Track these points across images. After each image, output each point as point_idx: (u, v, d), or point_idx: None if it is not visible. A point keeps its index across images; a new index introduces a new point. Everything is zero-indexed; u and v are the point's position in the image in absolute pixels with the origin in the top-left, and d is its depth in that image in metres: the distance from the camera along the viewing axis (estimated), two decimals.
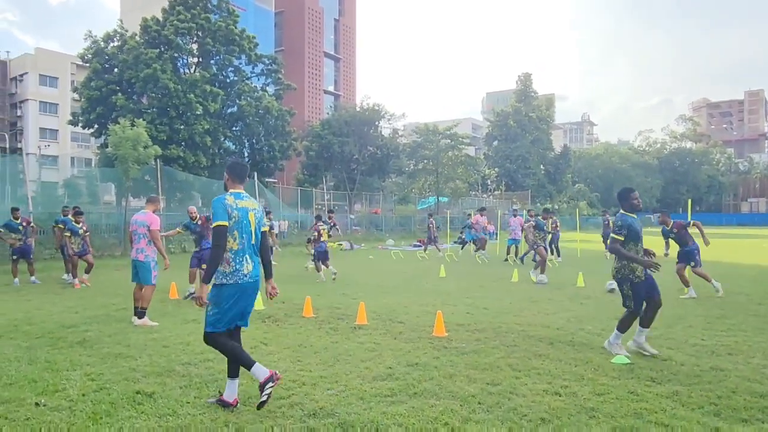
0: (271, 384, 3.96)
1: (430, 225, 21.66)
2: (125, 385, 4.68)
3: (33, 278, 12.14)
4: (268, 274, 4.42)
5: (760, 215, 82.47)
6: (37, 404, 4.23)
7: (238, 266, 4.07)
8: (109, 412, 4.06)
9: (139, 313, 7.44)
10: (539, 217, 13.25)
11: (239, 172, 4.34)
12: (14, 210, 12.52)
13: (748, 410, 4.10)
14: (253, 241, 4.20)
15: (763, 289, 10.85)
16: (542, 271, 12.22)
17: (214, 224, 4.05)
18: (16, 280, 11.81)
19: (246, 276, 4.10)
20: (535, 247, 12.84)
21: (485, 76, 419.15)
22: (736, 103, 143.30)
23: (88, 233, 12.19)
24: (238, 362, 4.11)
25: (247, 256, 4.14)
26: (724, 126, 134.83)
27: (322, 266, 12.62)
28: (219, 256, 3.99)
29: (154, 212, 7.87)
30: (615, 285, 9.86)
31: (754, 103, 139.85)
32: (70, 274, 11.77)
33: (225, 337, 4.13)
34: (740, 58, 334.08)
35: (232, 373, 4.17)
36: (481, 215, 20.35)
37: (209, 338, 4.13)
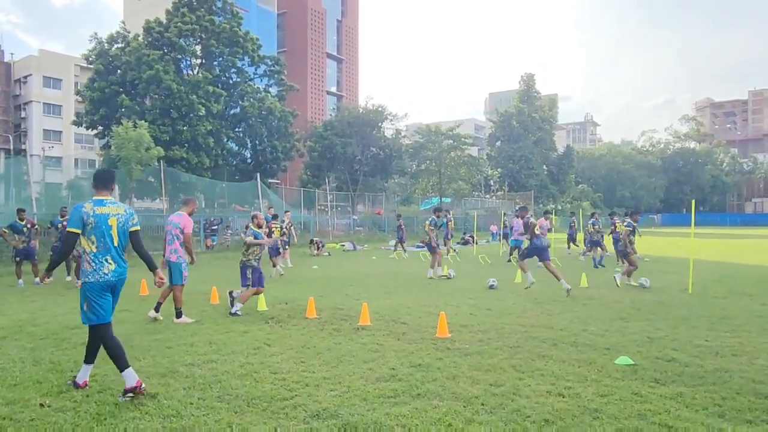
0: (76, 385, 4.63)
1: (400, 226, 21.86)
2: None
3: (37, 279, 12.17)
4: (151, 267, 4.89)
5: (764, 215, 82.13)
6: (41, 405, 4.25)
7: (98, 267, 4.52)
8: (113, 413, 4.08)
9: (177, 312, 7.71)
10: (629, 219, 11.88)
11: (101, 180, 4.83)
12: (20, 211, 12.53)
13: (752, 411, 4.09)
14: (115, 244, 4.62)
15: (766, 289, 10.81)
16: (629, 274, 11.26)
17: (67, 229, 4.59)
18: (21, 281, 11.84)
19: (107, 275, 4.55)
20: (627, 255, 11.68)
21: (488, 76, 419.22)
22: (740, 102, 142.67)
23: None
24: (93, 353, 4.71)
25: (109, 257, 4.57)
26: (728, 126, 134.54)
27: (278, 261, 13.91)
28: (63, 256, 4.74)
29: (190, 214, 7.98)
30: None
31: (758, 103, 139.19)
32: (75, 276, 11.81)
33: (109, 329, 4.63)
34: (745, 58, 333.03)
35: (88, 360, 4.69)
36: (545, 218, 18.93)
37: (95, 330, 4.60)
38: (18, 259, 12.09)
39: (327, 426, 3.84)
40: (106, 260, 4.53)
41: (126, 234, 4.74)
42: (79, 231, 4.50)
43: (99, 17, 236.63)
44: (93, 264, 4.51)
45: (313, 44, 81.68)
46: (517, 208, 26.35)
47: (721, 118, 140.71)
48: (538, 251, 10.67)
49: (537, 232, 10.66)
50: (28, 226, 12.27)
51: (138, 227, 4.92)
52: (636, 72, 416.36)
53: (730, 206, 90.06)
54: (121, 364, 4.45)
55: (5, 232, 12.27)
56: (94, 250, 4.52)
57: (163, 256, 7.94)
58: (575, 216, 22.69)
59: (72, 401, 4.33)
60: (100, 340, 4.57)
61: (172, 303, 7.80)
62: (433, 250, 13.64)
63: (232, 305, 8.18)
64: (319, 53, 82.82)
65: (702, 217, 70.04)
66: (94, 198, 4.69)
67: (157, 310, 7.77)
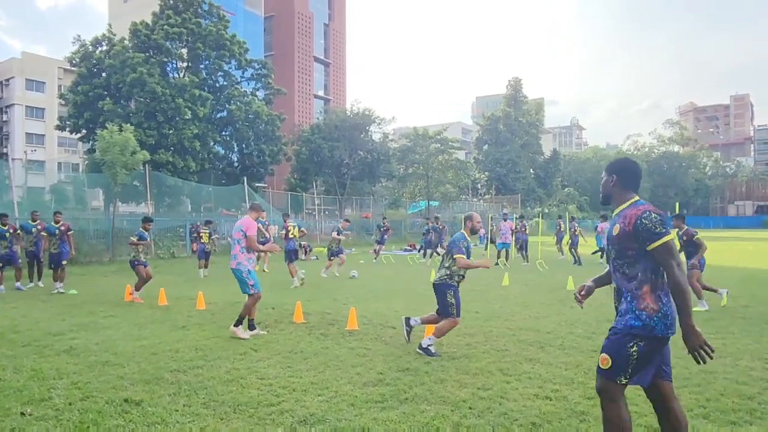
0: None
1: (387, 229, 21.18)
2: (113, 394, 4.63)
3: (18, 284, 11.96)
4: None
5: (746, 218, 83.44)
6: (23, 414, 4.17)
7: None
8: (97, 421, 4.02)
9: (250, 324, 7.01)
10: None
11: None
12: (2, 216, 12.32)
13: (736, 412, 4.14)
14: None
15: (749, 291, 10.96)
16: None
17: None
18: (2, 287, 11.63)
19: None
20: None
21: (475, 80, 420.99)
22: (722, 107, 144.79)
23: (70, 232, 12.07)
24: None
25: None
26: (711, 130, 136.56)
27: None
28: None
29: (255, 220, 7.39)
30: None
31: (740, 108, 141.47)
32: (61, 283, 11.55)
33: None
34: (730, 63, 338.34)
35: None
36: (505, 221, 18.80)
37: None
38: (0, 264, 11.87)
39: None
40: None
41: None
42: None
43: (84, 20, 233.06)
44: None
45: (301, 48, 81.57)
46: (503, 212, 26.55)
47: (704, 123, 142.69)
48: (289, 253, 12.95)
49: (295, 235, 13.36)
50: (11, 230, 12.07)
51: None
52: (622, 77, 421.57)
53: (713, 209, 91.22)
54: None
55: None
56: None
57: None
58: (562, 219, 22.96)
59: (54, 409, 4.26)
60: None
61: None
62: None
63: (409, 335, 6.54)
64: (306, 57, 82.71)
65: (686, 220, 70.93)
66: None
67: (251, 327, 7.02)
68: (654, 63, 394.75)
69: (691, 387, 4.74)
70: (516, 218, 20.86)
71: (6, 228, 11.98)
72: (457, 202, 56.10)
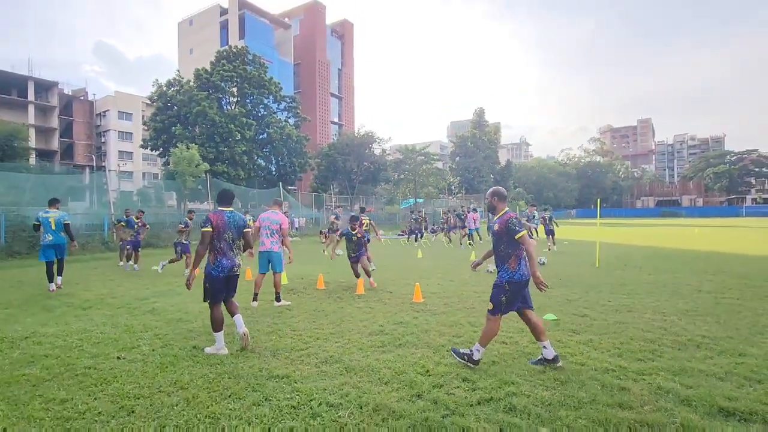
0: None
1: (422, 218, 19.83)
2: (184, 342, 4.63)
3: (122, 263, 11.48)
4: (72, 239, 7.84)
5: (649, 209, 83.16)
6: (118, 357, 4.17)
7: (43, 238, 7.53)
8: (173, 363, 4.02)
9: (277, 297, 6.54)
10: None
11: (49, 202, 7.69)
12: (127, 210, 11.74)
13: (642, 352, 4.14)
14: (53, 228, 7.55)
15: (652, 263, 10.95)
16: None
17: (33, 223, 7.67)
18: (136, 266, 11.02)
19: (47, 241, 7.56)
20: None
21: (450, 108, 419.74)
22: (631, 128, 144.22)
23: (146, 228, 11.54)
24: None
25: (48, 234, 7.55)
26: (623, 145, 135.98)
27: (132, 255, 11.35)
28: None
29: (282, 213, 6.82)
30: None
31: (645, 128, 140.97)
32: (124, 262, 11.13)
33: (48, 266, 7.63)
34: (638, 95, 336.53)
35: None
36: (476, 212, 19.44)
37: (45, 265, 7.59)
38: (128, 247, 11.30)
39: (333, 369, 3.82)
40: (47, 236, 7.52)
41: (61, 224, 7.63)
42: (39, 223, 7.50)
43: (161, 67, 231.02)
44: (42, 238, 7.58)
45: (321, 86, 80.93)
46: (471, 206, 26.44)
47: (618, 139, 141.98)
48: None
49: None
50: (140, 224, 11.58)
51: (68, 221, 7.71)
52: (558, 107, 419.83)
53: (625, 203, 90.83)
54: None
55: (122, 225, 11.64)
56: (42, 233, 7.58)
57: (255, 247, 6.38)
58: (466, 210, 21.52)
59: (141, 354, 4.26)
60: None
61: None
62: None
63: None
64: (324, 93, 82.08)
65: (605, 212, 70.90)
66: (45, 209, 7.67)
67: (278, 300, 6.52)
68: (582, 97, 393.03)
69: (609, 334, 4.74)
70: (540, 212, 19.23)
71: (130, 218, 11.45)
72: (437, 199, 55.97)
